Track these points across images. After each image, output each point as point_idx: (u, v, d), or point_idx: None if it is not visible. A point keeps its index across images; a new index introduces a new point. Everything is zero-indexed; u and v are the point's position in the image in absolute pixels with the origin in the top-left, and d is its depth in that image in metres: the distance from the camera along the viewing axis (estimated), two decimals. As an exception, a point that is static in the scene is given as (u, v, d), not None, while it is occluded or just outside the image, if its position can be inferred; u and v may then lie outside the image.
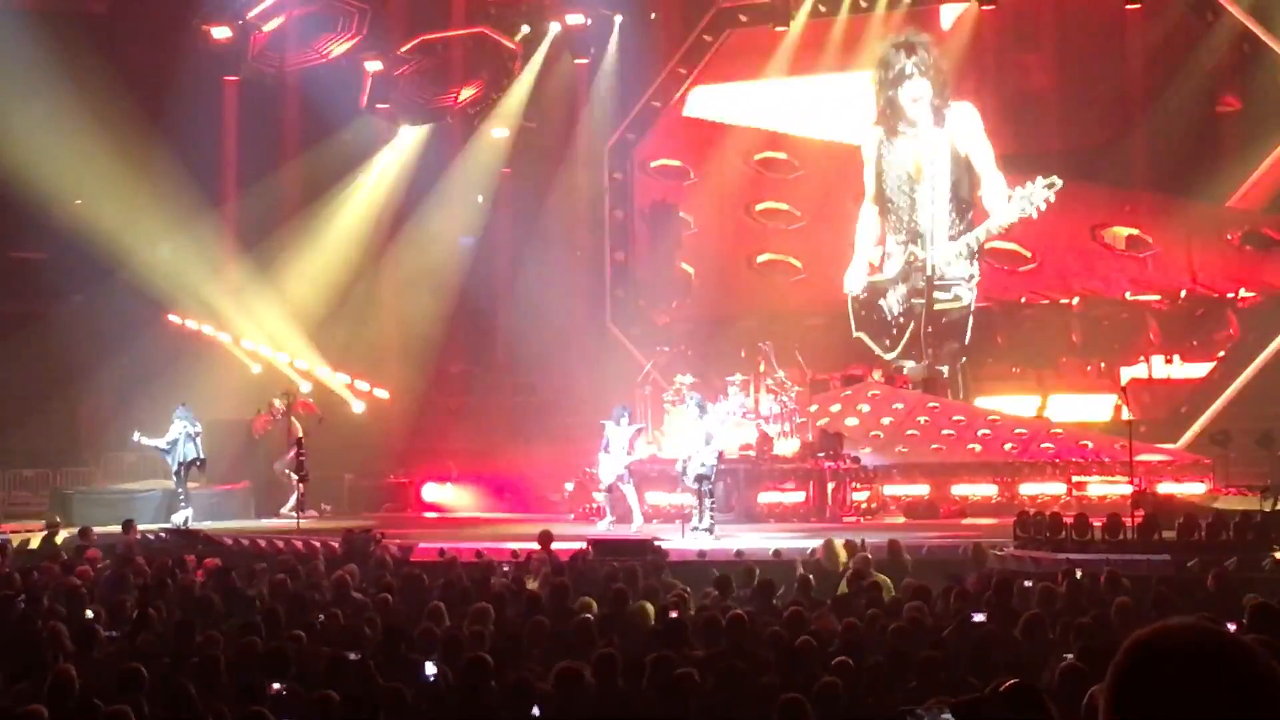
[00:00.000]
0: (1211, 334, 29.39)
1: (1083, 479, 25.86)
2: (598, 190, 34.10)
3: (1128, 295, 30.08)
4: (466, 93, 34.02)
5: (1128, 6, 29.08)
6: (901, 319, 30.80)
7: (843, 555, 16.47)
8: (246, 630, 11.18)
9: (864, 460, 26.29)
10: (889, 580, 14.37)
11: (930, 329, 30.34)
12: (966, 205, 30.45)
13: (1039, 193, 28.82)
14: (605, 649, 9.83)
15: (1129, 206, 30.13)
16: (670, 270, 33.88)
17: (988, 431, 27.54)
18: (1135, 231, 30.05)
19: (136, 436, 26.46)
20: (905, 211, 30.93)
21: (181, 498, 26.20)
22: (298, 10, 32.61)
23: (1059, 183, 28.77)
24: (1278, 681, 2.49)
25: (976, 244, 30.12)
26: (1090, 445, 26.41)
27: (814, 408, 28.40)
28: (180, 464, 26.02)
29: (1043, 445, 26.82)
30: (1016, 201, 29.18)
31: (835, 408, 28.58)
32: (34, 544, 21.06)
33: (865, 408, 28.57)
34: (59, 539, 20.69)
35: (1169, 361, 29.66)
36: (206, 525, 25.13)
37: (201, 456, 26.28)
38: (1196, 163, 29.38)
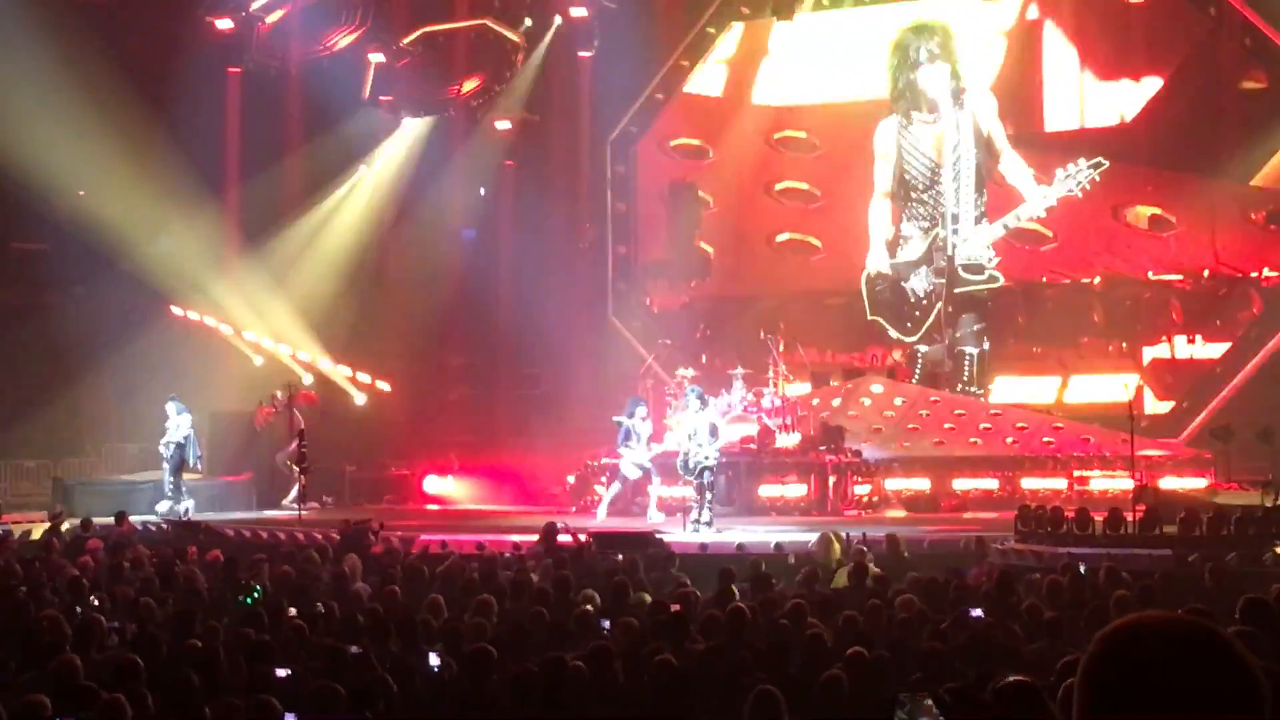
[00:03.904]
0: (1235, 314, 29.33)
1: (1084, 473, 25.88)
2: (600, 183, 34.12)
3: (1150, 275, 30.01)
4: (469, 85, 34.01)
5: (1129, 0, 29.05)
6: (925, 302, 30.76)
7: (837, 550, 16.50)
8: (248, 621, 11.21)
9: (865, 454, 26.32)
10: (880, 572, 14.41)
11: (950, 309, 30.29)
12: (984, 185, 30.49)
13: (1084, 173, 28.81)
14: (603, 641, 9.85)
15: (1151, 186, 30.07)
16: (689, 249, 33.89)
17: (989, 425, 27.56)
18: (1158, 211, 30.02)
19: (194, 462, 26.58)
20: (928, 195, 30.87)
21: (184, 490, 26.27)
22: (301, 2, 32.60)
23: (1105, 163, 28.76)
24: (1250, 671, 2.51)
25: (1016, 223, 30.06)
26: (1091, 440, 26.42)
27: (815, 401, 28.43)
28: (197, 456, 26.28)
29: (1044, 439, 26.83)
30: (1061, 182, 29.11)
31: (837, 401, 28.58)
32: (36, 535, 21.11)
33: (867, 401, 28.58)
34: (63, 529, 20.75)
35: (1191, 341, 29.62)
36: (208, 516, 25.16)
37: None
38: (1220, 141, 29.27)
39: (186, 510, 25.62)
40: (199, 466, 26.69)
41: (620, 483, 24.58)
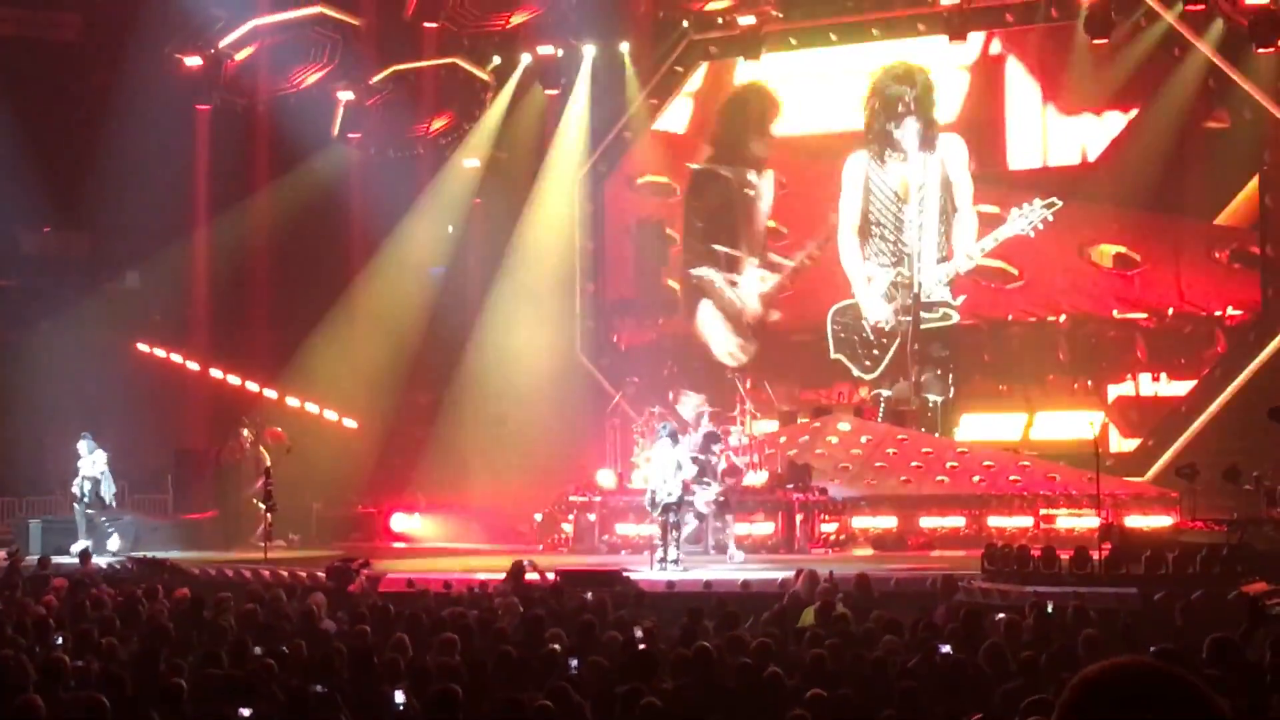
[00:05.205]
0: (1199, 352, 29.48)
1: (1050, 511, 25.94)
2: (568, 221, 34.15)
3: (1115, 313, 30.17)
4: (438, 123, 34.07)
5: (1095, 41, 29.24)
6: (885, 340, 30.87)
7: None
8: (212, 660, 11.15)
9: (832, 492, 26.31)
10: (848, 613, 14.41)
11: (916, 346, 30.40)
12: (948, 227, 30.64)
13: (1038, 212, 29.03)
14: (565, 681, 9.83)
15: (1116, 224, 30.23)
16: (656, 287, 33.94)
17: (956, 464, 27.60)
18: (1123, 249, 30.17)
19: (109, 499, 26.35)
20: (891, 233, 31.03)
21: (85, 529, 25.99)
22: (270, 40, 32.62)
23: (1058, 203, 29.01)
24: (1220, 717, 2.54)
25: (969, 262, 30.22)
26: (1058, 478, 26.49)
27: (783, 439, 28.45)
28: (112, 494, 26.09)
29: (1011, 478, 26.89)
30: (1015, 220, 29.33)
31: (804, 439, 28.61)
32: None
33: (834, 439, 28.60)
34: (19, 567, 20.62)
35: (1156, 380, 29.77)
36: (174, 555, 25.01)
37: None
38: (1184, 180, 29.48)
39: (87, 549, 24.91)
40: (113, 503, 26.53)
41: (697, 519, 24.32)
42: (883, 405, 30.48)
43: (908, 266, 30.73)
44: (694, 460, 23.73)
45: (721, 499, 23.83)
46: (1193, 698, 2.56)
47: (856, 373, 31.17)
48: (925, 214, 30.67)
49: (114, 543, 25.36)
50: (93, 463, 26.07)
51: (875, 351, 30.96)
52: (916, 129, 30.70)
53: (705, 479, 23.71)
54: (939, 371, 30.54)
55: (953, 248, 30.52)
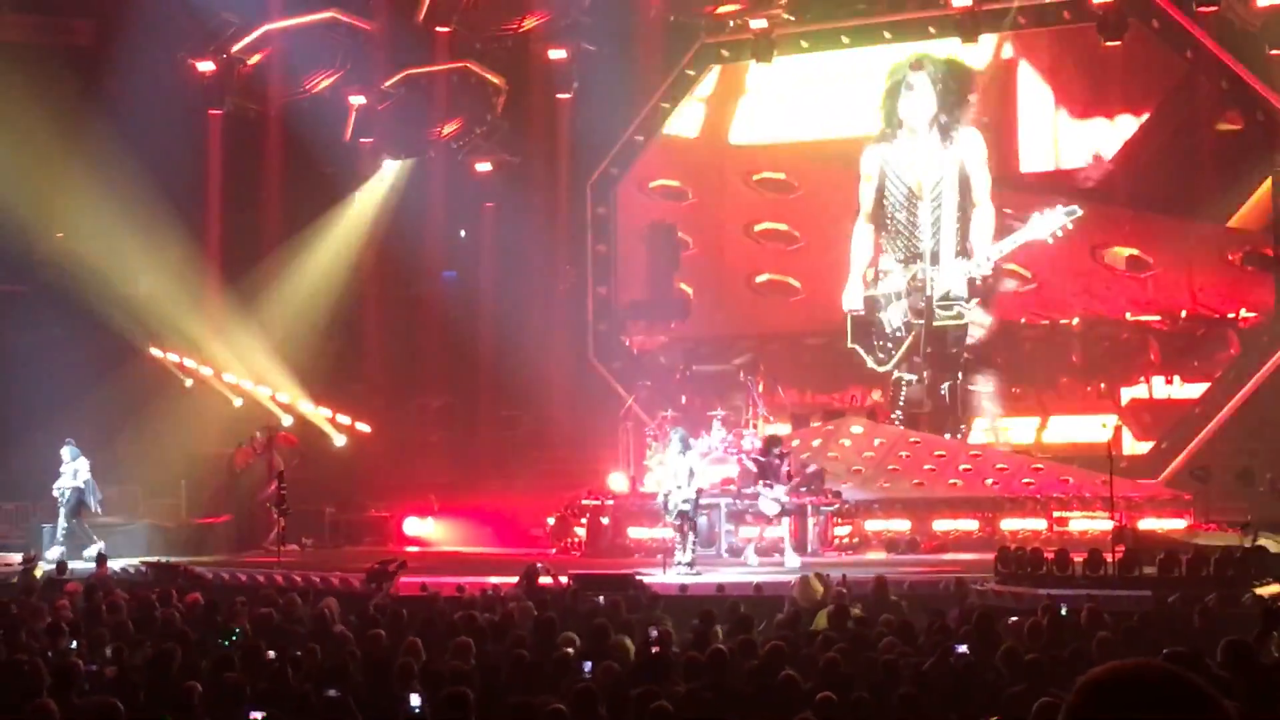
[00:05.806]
0: (1212, 354, 29.47)
1: (1063, 514, 25.89)
2: (580, 224, 34.20)
3: (1128, 316, 30.18)
4: (450, 127, 34.09)
5: (1106, 44, 29.21)
6: (900, 332, 30.80)
7: (819, 589, 16.48)
8: (226, 664, 11.16)
9: (845, 495, 26.29)
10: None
11: (930, 349, 30.37)
12: (967, 223, 30.57)
13: (1059, 218, 28.93)
14: (586, 684, 9.83)
15: (1129, 227, 30.23)
16: (669, 290, 33.94)
17: (969, 466, 27.58)
18: (1135, 252, 30.18)
19: (95, 506, 26.40)
20: (905, 229, 30.98)
21: (91, 533, 26.03)
22: (282, 44, 32.67)
23: (1079, 211, 28.93)
24: (1225, 717, 2.55)
25: (988, 264, 30.13)
26: (1071, 480, 26.45)
27: (796, 442, 28.43)
28: (98, 500, 26.11)
29: (1024, 480, 26.85)
30: (1036, 225, 29.24)
31: (817, 442, 28.60)
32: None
33: (847, 442, 28.59)
34: (38, 572, 20.66)
35: (1169, 382, 29.76)
36: (187, 559, 25.02)
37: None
38: (1197, 182, 29.50)
39: (99, 552, 24.88)
40: (99, 510, 26.56)
41: (759, 523, 24.26)
42: (905, 389, 30.45)
43: (921, 266, 30.65)
44: (756, 462, 23.82)
45: (787, 500, 23.67)
46: (1199, 700, 2.56)
47: (870, 364, 31.11)
48: (942, 209, 30.59)
49: (54, 552, 25.19)
50: (74, 471, 26.10)
51: (890, 345, 30.93)
52: (930, 112, 30.64)
53: (767, 481, 23.61)
54: (953, 366, 30.50)
55: (971, 245, 30.43)
